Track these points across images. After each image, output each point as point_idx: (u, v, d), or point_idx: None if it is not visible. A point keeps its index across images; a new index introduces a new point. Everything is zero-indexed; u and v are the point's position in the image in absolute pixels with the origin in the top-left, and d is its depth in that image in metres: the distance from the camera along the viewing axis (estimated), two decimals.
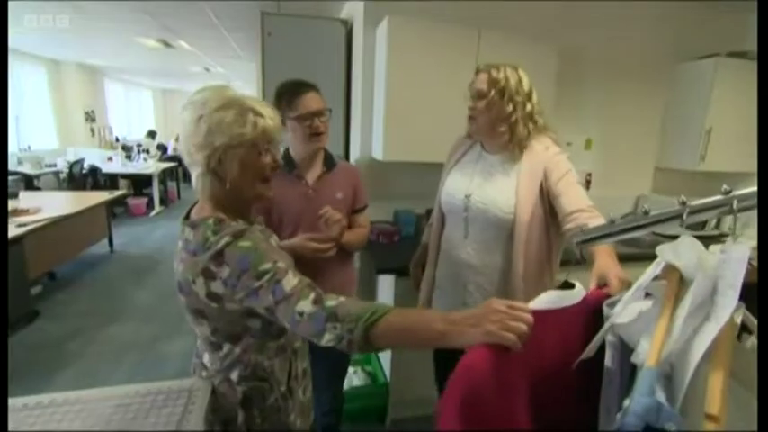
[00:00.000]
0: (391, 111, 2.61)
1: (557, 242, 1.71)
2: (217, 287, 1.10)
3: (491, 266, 1.73)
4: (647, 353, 0.77)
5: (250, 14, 4.62)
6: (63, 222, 4.38)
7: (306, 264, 1.69)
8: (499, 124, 1.67)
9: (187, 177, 10.27)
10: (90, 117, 9.77)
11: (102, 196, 5.50)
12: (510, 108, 1.63)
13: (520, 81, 1.64)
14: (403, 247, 2.75)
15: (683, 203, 0.83)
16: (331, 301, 1.04)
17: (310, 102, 1.75)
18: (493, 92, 1.63)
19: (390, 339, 0.98)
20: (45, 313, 4.09)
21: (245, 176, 1.15)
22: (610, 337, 0.93)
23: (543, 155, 1.65)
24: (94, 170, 7.84)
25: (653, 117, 3.55)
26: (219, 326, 1.18)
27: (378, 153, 2.78)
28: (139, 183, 8.96)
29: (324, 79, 2.22)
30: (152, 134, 11.50)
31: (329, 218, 1.70)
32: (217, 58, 8.26)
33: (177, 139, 8.78)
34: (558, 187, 1.60)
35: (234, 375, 1.23)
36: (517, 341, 0.84)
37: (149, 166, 8.82)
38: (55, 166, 7.77)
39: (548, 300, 0.95)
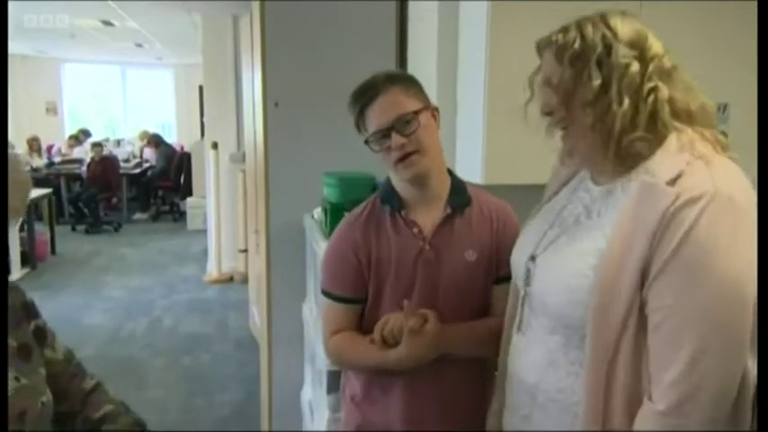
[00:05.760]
0: (497, 106, 1.71)
1: None
2: None
3: (559, 398, 0.96)
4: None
5: None
6: None
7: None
8: (586, 116, 0.89)
9: (62, 213, 8.36)
10: None
11: None
12: (596, 82, 0.87)
13: (614, 36, 0.88)
14: None
15: None
16: None
17: (376, 114, 1.17)
18: (563, 66, 0.90)
19: None
20: None
21: None
22: None
23: (665, 190, 0.82)
24: None
25: None
26: None
27: (472, 172, 1.79)
28: None
29: (359, 71, 1.64)
30: None
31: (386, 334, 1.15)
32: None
33: (33, 147, 7.56)
34: (660, 283, 0.82)
35: None
36: None
37: None
38: None
39: None
